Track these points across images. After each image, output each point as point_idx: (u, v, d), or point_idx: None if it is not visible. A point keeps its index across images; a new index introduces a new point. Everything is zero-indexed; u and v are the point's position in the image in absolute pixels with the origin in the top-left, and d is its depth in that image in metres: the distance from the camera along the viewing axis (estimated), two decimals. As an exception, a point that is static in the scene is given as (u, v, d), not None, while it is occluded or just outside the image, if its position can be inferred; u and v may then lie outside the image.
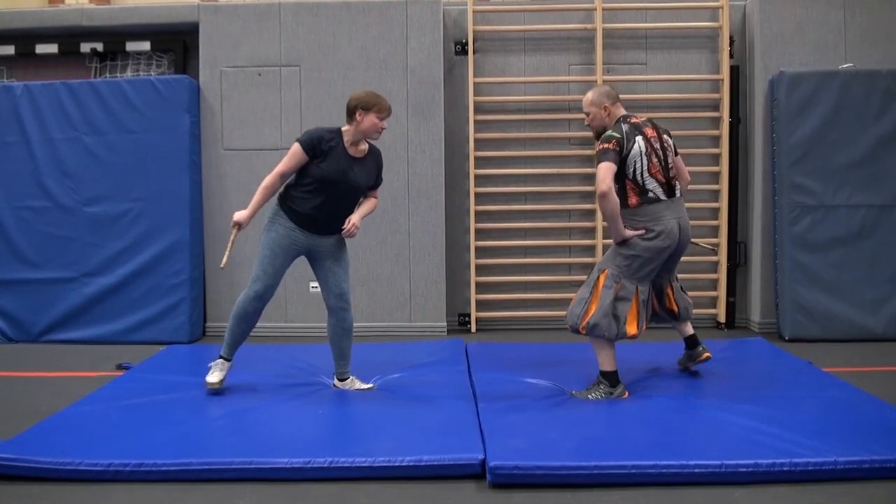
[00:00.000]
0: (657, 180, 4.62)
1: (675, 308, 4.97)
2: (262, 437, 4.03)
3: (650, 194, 4.61)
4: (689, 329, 5.12)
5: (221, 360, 4.79)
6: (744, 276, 7.19)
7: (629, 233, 4.59)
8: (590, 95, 4.78)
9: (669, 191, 4.67)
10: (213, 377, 4.73)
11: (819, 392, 4.65)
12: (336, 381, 4.99)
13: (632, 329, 4.59)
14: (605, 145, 4.54)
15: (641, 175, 4.59)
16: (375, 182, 4.84)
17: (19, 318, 6.81)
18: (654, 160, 4.61)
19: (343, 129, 4.66)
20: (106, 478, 3.58)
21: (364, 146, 4.72)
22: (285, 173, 4.61)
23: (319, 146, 4.54)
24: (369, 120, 4.56)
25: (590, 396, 4.65)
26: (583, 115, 4.85)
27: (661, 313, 5.01)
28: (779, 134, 6.64)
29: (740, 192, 7.13)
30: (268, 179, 4.60)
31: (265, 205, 4.69)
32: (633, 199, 4.61)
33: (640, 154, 4.57)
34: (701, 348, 5.06)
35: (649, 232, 4.59)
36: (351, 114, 4.59)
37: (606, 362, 4.66)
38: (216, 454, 3.72)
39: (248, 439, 4.00)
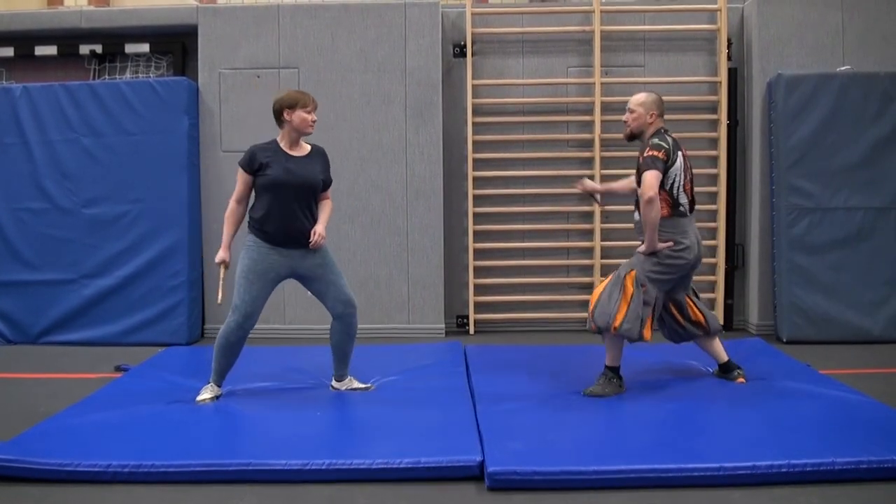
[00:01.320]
0: (687, 196, 4.76)
1: (702, 319, 4.97)
2: (261, 438, 4.04)
3: (681, 208, 4.74)
4: (722, 353, 5.10)
5: (213, 385, 4.75)
6: (742, 279, 7.20)
7: (661, 245, 4.66)
8: (642, 96, 4.82)
9: (692, 207, 4.81)
10: (204, 395, 4.68)
11: (817, 394, 4.65)
12: (334, 383, 5.00)
13: (648, 333, 4.68)
14: (655, 153, 4.63)
15: (677, 189, 4.71)
16: (325, 181, 4.81)
17: (18, 319, 6.81)
18: (688, 177, 4.77)
19: (278, 138, 4.73)
20: (105, 479, 3.59)
21: (305, 147, 4.77)
22: (240, 198, 4.71)
23: (257, 160, 4.62)
24: (298, 116, 4.62)
25: (606, 391, 4.70)
26: (627, 112, 4.84)
27: (690, 327, 4.99)
28: (777, 136, 6.65)
29: (738, 195, 7.14)
30: (228, 210, 4.71)
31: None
32: (664, 210, 4.69)
33: (681, 169, 4.72)
34: (736, 373, 5.03)
35: (678, 245, 4.69)
36: (278, 116, 4.67)
37: (616, 358, 4.77)
38: (215, 456, 3.73)
39: (247, 441, 4.02)
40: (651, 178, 4.58)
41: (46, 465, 3.61)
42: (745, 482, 3.48)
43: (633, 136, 4.82)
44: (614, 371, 4.77)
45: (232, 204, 4.70)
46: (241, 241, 4.72)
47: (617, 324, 4.61)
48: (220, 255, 4.69)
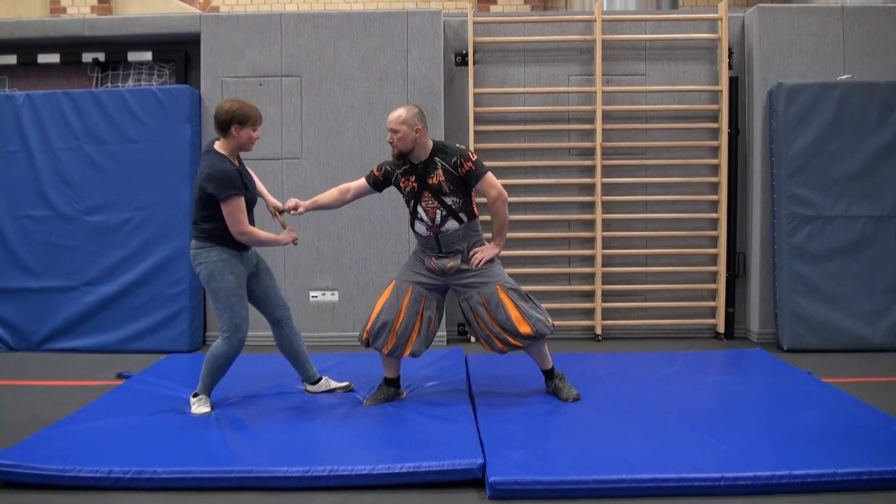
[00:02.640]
0: None
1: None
2: (262, 445, 4.04)
3: None
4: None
5: (206, 397, 4.70)
6: (743, 287, 7.20)
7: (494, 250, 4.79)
8: (402, 113, 4.60)
9: None
10: (204, 408, 4.63)
11: (818, 403, 4.66)
12: (308, 387, 5.01)
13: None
14: (475, 156, 4.66)
15: None
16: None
17: (20, 326, 6.82)
18: None
19: (221, 150, 4.52)
20: (107, 485, 3.61)
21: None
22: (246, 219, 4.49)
23: (240, 180, 4.46)
24: (245, 134, 4.48)
25: (573, 393, 4.75)
26: (390, 133, 4.65)
27: (431, 335, 4.92)
28: (777, 145, 6.67)
29: (739, 203, 7.15)
30: (255, 236, 4.50)
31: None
32: (476, 210, 4.79)
33: None
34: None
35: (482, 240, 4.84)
36: (225, 128, 4.46)
37: (549, 357, 4.87)
38: (216, 462, 3.74)
39: (248, 448, 4.02)
40: (494, 178, 4.66)
41: (48, 471, 3.63)
42: (746, 492, 3.49)
43: (403, 155, 4.62)
44: (555, 369, 4.88)
45: (248, 229, 4.46)
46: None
47: (551, 321, 4.72)
48: (287, 233, 4.65)
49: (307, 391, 5.00)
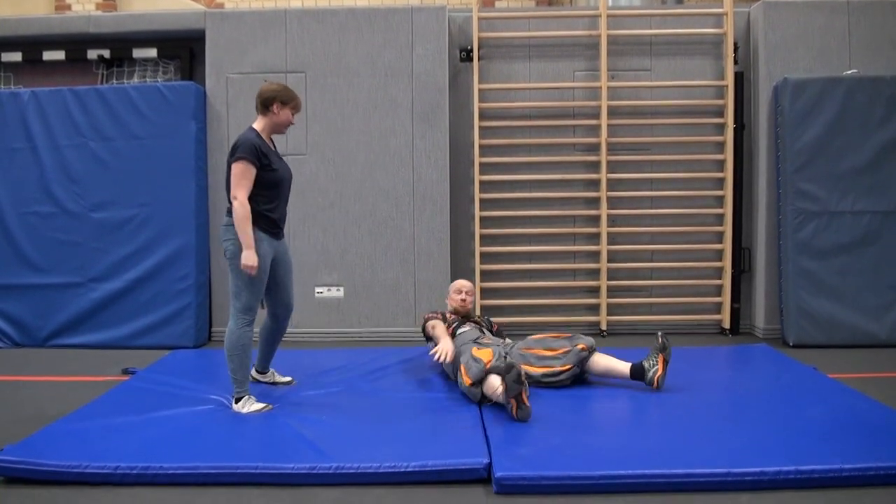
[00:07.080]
0: None
1: None
2: (268, 441, 4.05)
3: None
4: None
5: (246, 396, 4.60)
6: (748, 282, 7.19)
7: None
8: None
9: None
10: (256, 405, 4.56)
11: (824, 398, 4.65)
12: (256, 375, 5.11)
13: None
14: None
15: None
16: None
17: (26, 322, 6.84)
18: None
19: (256, 126, 4.64)
20: (113, 481, 3.60)
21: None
22: (249, 192, 4.44)
23: (260, 152, 4.48)
24: (285, 114, 4.64)
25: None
26: (468, 297, 5.63)
27: None
28: (783, 140, 6.65)
29: (745, 198, 7.14)
30: (243, 210, 4.37)
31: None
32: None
33: None
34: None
35: None
36: (268, 106, 4.60)
37: (620, 363, 5.08)
38: (222, 458, 3.74)
39: (255, 444, 4.02)
40: None
41: (55, 466, 3.63)
42: (752, 487, 3.47)
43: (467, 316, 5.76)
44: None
45: (241, 198, 4.38)
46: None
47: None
48: (251, 255, 4.39)
49: (253, 378, 5.03)
